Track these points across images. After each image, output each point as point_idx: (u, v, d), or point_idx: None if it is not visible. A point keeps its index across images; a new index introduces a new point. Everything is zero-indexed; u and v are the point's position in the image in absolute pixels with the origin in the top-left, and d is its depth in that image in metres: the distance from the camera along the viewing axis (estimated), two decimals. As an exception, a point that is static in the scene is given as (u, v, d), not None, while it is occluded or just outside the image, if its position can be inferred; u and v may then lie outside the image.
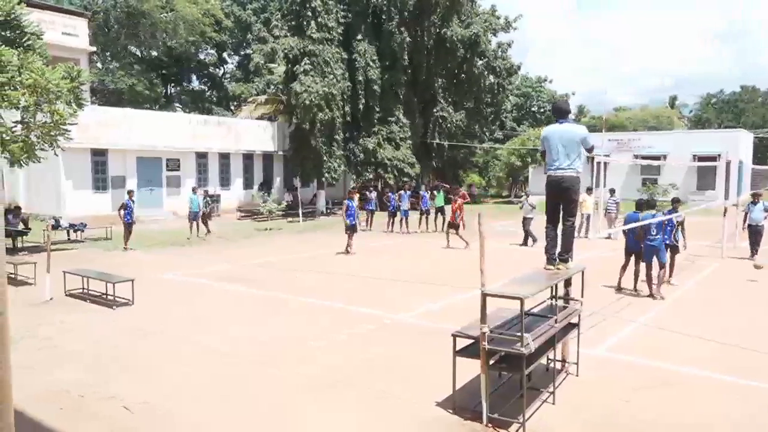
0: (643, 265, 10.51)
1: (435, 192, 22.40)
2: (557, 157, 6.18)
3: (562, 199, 6.33)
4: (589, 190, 16.89)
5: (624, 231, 10.89)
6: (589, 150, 6.41)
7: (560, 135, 6.19)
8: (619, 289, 10.87)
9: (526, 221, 17.36)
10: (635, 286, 10.67)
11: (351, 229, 15.75)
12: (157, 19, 38.72)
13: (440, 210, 21.57)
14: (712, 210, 21.41)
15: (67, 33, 24.44)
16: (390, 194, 22.32)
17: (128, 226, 16.11)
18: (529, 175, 40.84)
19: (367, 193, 23.46)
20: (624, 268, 10.90)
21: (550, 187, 6.36)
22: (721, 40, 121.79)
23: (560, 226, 6.47)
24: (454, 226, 16.71)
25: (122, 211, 16.05)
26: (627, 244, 10.83)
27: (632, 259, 10.72)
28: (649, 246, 10.24)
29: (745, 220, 14.75)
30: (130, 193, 17.04)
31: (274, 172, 30.70)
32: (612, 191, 19.33)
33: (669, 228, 10.68)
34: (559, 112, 6.52)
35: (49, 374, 6.50)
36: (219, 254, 15.82)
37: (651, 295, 10.28)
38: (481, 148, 39.84)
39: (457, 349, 5.39)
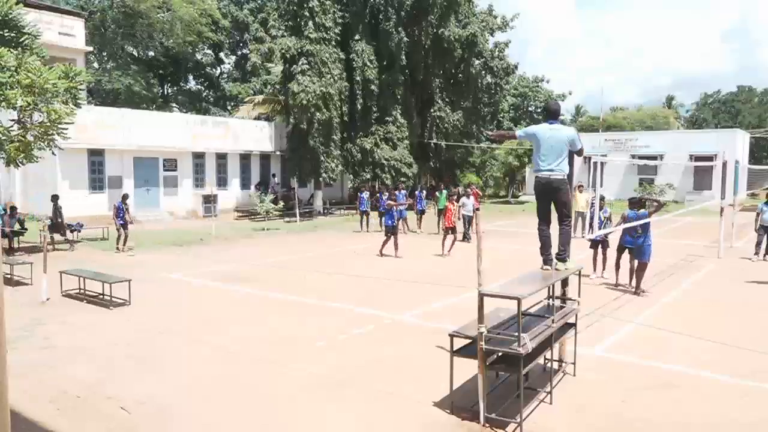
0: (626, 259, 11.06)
1: (437, 193, 21.97)
2: (545, 158, 6.18)
3: (553, 200, 6.34)
4: (580, 188, 16.84)
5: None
6: (578, 152, 6.36)
7: (549, 136, 6.19)
8: (616, 285, 11.25)
9: (466, 218, 18.51)
10: (617, 280, 11.32)
11: (390, 231, 15.31)
12: (154, 19, 38.62)
13: (442, 212, 21.41)
14: (709, 210, 21.50)
15: (64, 33, 24.39)
16: (379, 195, 22.22)
17: (119, 228, 15.97)
18: (525, 175, 40.86)
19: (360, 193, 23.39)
20: (617, 264, 11.34)
21: (538, 188, 6.37)
22: (723, 39, 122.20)
23: (557, 227, 6.48)
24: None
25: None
26: (620, 241, 11.16)
27: (623, 255, 11.12)
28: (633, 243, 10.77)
29: (757, 221, 14.58)
30: (123, 196, 16.84)
31: (272, 172, 30.66)
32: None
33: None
34: (549, 112, 6.53)
35: (46, 374, 6.49)
36: (219, 254, 15.78)
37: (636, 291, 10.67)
38: (479, 147, 39.87)
39: (455, 349, 5.40)
